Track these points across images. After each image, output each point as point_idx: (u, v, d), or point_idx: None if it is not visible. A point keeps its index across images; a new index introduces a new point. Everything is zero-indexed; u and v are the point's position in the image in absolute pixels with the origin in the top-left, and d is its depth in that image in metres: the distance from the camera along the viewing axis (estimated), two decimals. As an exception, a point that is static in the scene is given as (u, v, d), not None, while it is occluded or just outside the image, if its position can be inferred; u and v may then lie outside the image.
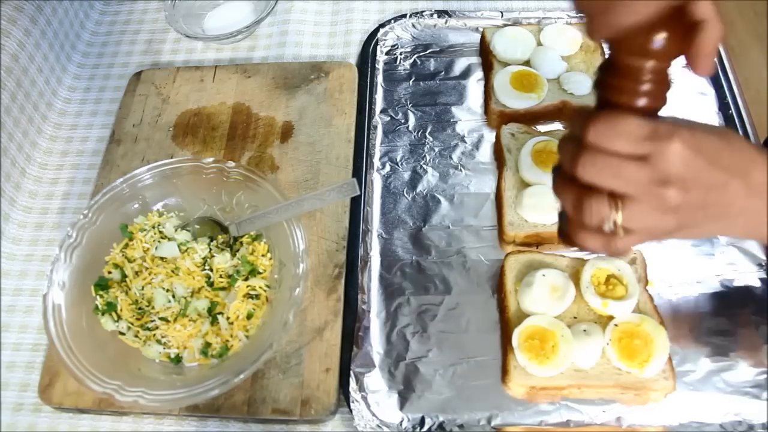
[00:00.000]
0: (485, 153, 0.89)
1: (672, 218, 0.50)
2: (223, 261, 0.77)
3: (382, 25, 1.02)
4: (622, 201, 0.49)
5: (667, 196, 0.49)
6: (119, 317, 0.75)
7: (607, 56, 0.51)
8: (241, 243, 0.79)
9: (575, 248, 0.54)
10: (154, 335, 0.74)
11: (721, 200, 0.51)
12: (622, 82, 0.49)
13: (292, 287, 0.71)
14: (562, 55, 0.92)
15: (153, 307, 0.75)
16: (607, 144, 0.48)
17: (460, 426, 0.70)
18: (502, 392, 0.71)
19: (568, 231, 0.54)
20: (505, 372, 0.71)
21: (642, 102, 0.49)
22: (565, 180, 0.52)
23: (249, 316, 0.74)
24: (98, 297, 0.75)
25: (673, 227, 0.51)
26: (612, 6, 0.47)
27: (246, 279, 0.76)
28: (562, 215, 0.55)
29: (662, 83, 0.49)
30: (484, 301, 0.77)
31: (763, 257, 0.77)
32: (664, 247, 0.79)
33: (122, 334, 0.74)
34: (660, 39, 0.47)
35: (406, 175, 0.88)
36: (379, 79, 0.97)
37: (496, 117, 0.90)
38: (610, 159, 0.48)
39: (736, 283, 0.76)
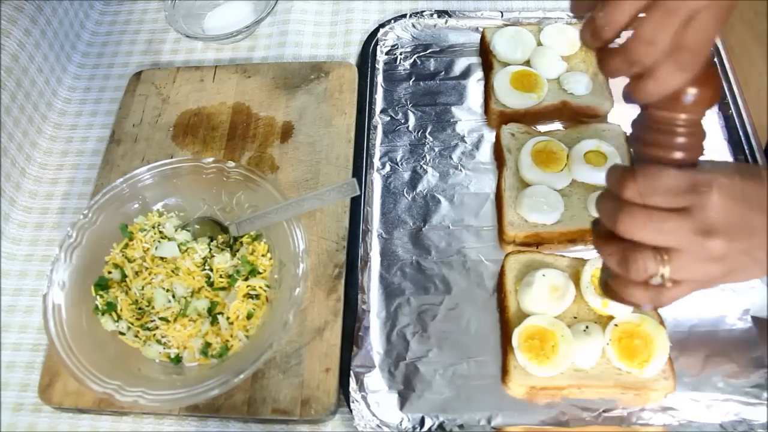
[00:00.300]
0: (485, 153, 0.89)
1: (719, 266, 0.50)
2: (223, 261, 0.77)
3: (382, 25, 1.02)
4: (668, 254, 0.49)
5: (712, 246, 0.49)
6: (119, 317, 0.75)
7: (639, 111, 0.51)
8: (241, 243, 0.79)
9: (620, 303, 0.55)
10: (154, 335, 0.74)
11: (765, 242, 0.50)
12: (657, 137, 0.49)
13: (292, 287, 0.71)
14: (562, 55, 0.92)
15: (153, 307, 0.75)
16: (647, 200, 0.48)
17: (460, 426, 0.70)
18: (502, 392, 0.71)
19: (613, 287, 0.54)
20: (505, 372, 0.71)
21: (678, 155, 0.49)
22: (606, 236, 0.52)
23: (249, 316, 0.74)
24: (98, 297, 0.75)
25: (720, 274, 0.51)
26: (655, 74, 0.47)
27: (246, 279, 0.76)
28: (605, 269, 0.55)
29: (697, 134, 0.49)
30: (484, 301, 0.77)
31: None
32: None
33: (122, 334, 0.74)
34: (692, 93, 0.47)
35: (406, 175, 0.88)
36: (379, 79, 0.97)
37: (496, 117, 0.90)
38: (652, 214, 0.48)
39: (737, 284, 0.76)
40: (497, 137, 0.87)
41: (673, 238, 0.49)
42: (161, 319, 0.74)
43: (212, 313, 0.75)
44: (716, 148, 0.86)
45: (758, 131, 0.88)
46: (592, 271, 0.73)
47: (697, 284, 0.52)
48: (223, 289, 0.76)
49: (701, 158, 0.50)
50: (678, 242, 0.49)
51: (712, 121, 0.88)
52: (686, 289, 0.52)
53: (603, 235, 0.53)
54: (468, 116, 0.92)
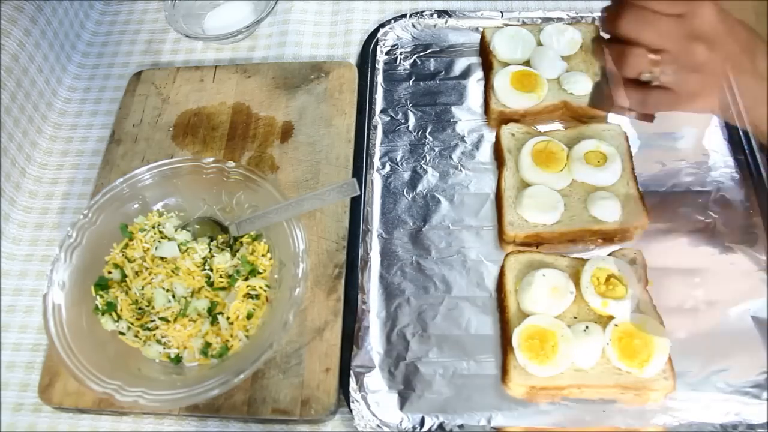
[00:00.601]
0: (485, 153, 0.89)
1: (696, 78, 0.58)
2: (223, 261, 0.77)
3: (382, 25, 1.01)
4: (659, 54, 0.57)
5: (697, 50, 0.57)
6: (119, 317, 0.75)
7: None
8: (241, 243, 0.79)
9: (609, 111, 0.66)
10: (154, 335, 0.74)
11: (734, 71, 0.58)
12: None
13: (292, 287, 0.71)
14: (562, 55, 0.92)
15: (153, 307, 0.75)
16: (647, 2, 0.56)
17: (460, 426, 0.70)
18: (502, 392, 0.71)
19: (606, 93, 0.62)
20: (505, 372, 0.71)
21: None
22: (608, 40, 0.60)
23: (249, 316, 0.74)
24: (98, 297, 0.75)
25: (697, 88, 0.59)
26: None
27: (246, 279, 0.76)
28: (598, 85, 0.65)
29: None
30: (484, 301, 0.77)
31: (764, 257, 0.77)
32: (665, 247, 0.79)
33: (122, 334, 0.74)
34: None
35: (406, 175, 0.88)
36: (379, 79, 0.97)
37: (496, 117, 0.90)
38: (651, 15, 0.56)
39: (737, 283, 0.76)
40: (497, 137, 0.87)
41: (665, 38, 0.56)
42: (161, 319, 0.74)
43: (212, 313, 0.75)
44: (716, 148, 0.86)
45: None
46: (592, 272, 0.73)
47: (676, 97, 0.60)
48: (223, 289, 0.76)
49: None
50: (669, 42, 0.57)
51: (711, 121, 0.88)
52: (667, 99, 0.60)
53: (606, 41, 0.61)
54: (468, 116, 0.92)
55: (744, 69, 0.59)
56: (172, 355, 0.73)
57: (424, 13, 1.02)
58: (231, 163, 0.80)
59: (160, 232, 0.79)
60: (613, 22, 0.58)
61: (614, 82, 0.62)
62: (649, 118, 0.64)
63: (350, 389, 0.72)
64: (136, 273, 0.77)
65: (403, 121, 0.92)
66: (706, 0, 0.56)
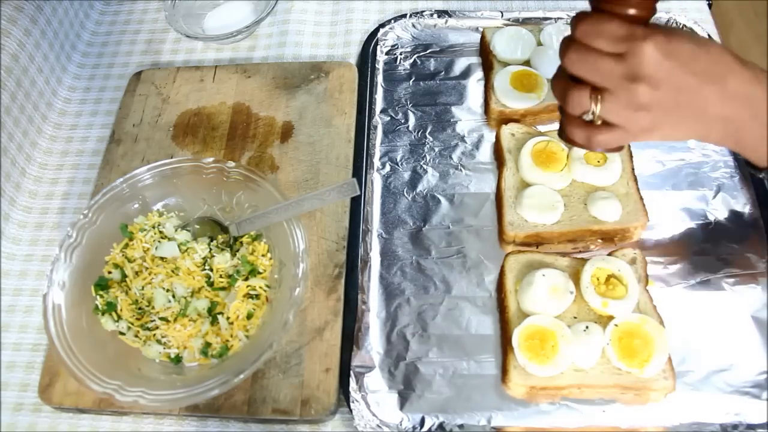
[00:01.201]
0: (485, 153, 0.89)
1: (645, 115, 0.57)
2: (223, 261, 0.77)
3: (382, 25, 1.02)
4: (601, 95, 0.56)
5: (638, 91, 0.55)
6: (119, 317, 0.75)
7: None
8: (241, 243, 0.79)
9: (569, 144, 0.64)
10: (154, 335, 0.74)
11: (694, 103, 0.56)
12: None
13: (292, 287, 0.71)
14: (562, 55, 0.92)
15: (153, 307, 0.75)
16: (590, 41, 0.56)
17: (460, 426, 0.70)
18: (502, 392, 0.71)
19: (561, 127, 0.63)
20: (505, 372, 0.71)
21: (631, 11, 0.55)
22: (559, 76, 0.61)
23: (249, 316, 0.74)
24: (98, 297, 0.75)
25: (648, 125, 0.58)
26: None
27: (246, 279, 0.76)
28: (561, 112, 0.63)
29: None
30: (484, 301, 0.77)
31: (764, 257, 0.77)
32: (665, 246, 0.79)
33: (122, 334, 0.74)
34: None
35: (406, 175, 0.88)
36: (379, 79, 0.97)
37: (496, 117, 0.90)
38: (592, 53, 0.56)
39: (737, 283, 0.76)
40: (497, 137, 0.87)
41: (604, 78, 0.56)
42: (161, 319, 0.74)
43: (212, 313, 0.75)
44: (716, 147, 0.86)
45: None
46: (592, 272, 0.73)
47: (626, 132, 0.58)
48: (223, 289, 0.76)
49: (652, 20, 0.56)
50: (609, 82, 0.56)
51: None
52: (616, 136, 0.59)
53: (559, 76, 0.61)
54: (468, 116, 0.92)
55: (711, 101, 0.56)
56: (172, 355, 0.73)
57: (424, 13, 1.02)
58: (231, 163, 0.80)
59: (160, 232, 0.79)
60: (561, 56, 0.58)
61: (566, 119, 0.62)
62: (618, 149, 0.63)
63: (350, 389, 0.72)
64: (136, 273, 0.77)
65: (403, 121, 0.92)
66: (648, 39, 0.53)
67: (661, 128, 0.58)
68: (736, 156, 0.85)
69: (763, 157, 0.63)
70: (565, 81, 0.59)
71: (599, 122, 0.59)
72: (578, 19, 0.56)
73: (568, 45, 0.57)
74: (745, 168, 0.79)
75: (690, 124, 0.59)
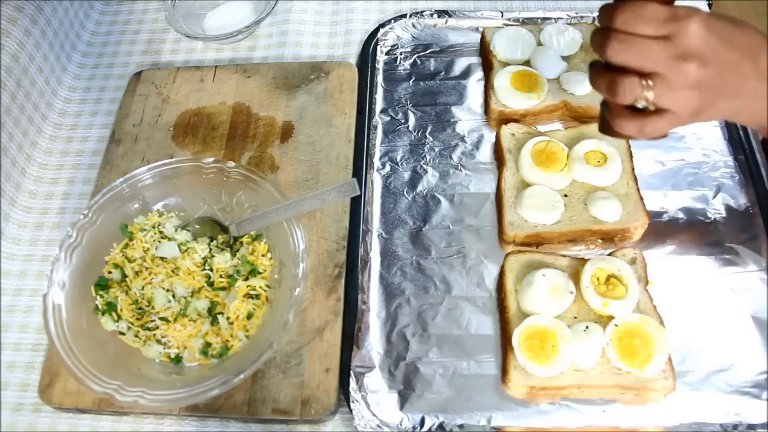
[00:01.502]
0: (485, 153, 0.88)
1: (695, 96, 0.57)
2: (223, 261, 0.77)
3: (382, 25, 1.01)
4: (651, 80, 0.56)
5: (688, 69, 0.55)
6: (119, 317, 0.75)
7: None
8: (241, 243, 0.79)
9: (615, 137, 0.63)
10: (154, 335, 0.74)
11: (735, 79, 0.57)
12: None
13: (292, 287, 0.71)
14: (562, 55, 0.92)
15: (153, 307, 0.75)
16: (633, 27, 0.55)
17: (460, 426, 0.70)
18: (502, 392, 0.71)
19: (607, 119, 0.61)
20: (505, 372, 0.71)
21: None
22: (600, 70, 0.59)
23: (249, 316, 0.74)
24: (98, 297, 0.75)
25: (697, 106, 0.58)
26: None
27: (246, 279, 0.76)
28: (603, 107, 0.62)
29: None
30: (484, 301, 0.77)
31: (764, 257, 0.77)
32: (665, 247, 0.79)
33: (122, 334, 0.74)
34: None
35: (406, 175, 0.87)
36: (379, 79, 0.97)
37: (496, 117, 0.90)
38: (637, 40, 0.55)
39: (737, 284, 0.76)
40: (497, 137, 0.87)
41: (654, 62, 0.56)
42: (161, 319, 0.74)
43: (212, 313, 0.75)
44: (716, 148, 0.86)
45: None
46: (592, 272, 0.73)
47: (676, 116, 0.58)
48: (223, 289, 0.76)
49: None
50: (659, 66, 0.56)
51: (711, 122, 0.88)
52: (667, 121, 0.58)
53: (597, 70, 0.60)
54: (468, 116, 0.92)
55: (748, 77, 0.57)
56: (172, 355, 0.73)
57: (424, 13, 1.02)
58: (231, 163, 0.80)
59: (160, 232, 0.79)
60: (601, 48, 0.57)
61: (612, 112, 0.60)
62: (664, 135, 0.61)
63: (350, 389, 0.72)
64: (136, 273, 0.77)
65: (403, 121, 0.92)
66: (692, 18, 0.54)
67: (708, 108, 0.59)
68: (736, 156, 0.85)
69: None
70: (608, 73, 0.58)
71: (652, 108, 0.58)
72: (614, 9, 0.56)
73: (607, 36, 0.56)
74: None
75: (730, 100, 0.59)
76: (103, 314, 0.75)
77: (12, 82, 0.91)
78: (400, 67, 0.98)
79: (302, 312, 0.76)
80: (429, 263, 0.80)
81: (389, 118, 0.93)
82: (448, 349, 0.74)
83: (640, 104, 0.58)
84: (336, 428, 0.72)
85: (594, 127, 0.86)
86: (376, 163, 0.89)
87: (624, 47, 0.56)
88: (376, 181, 0.88)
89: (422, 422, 0.70)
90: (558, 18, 0.98)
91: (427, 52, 0.99)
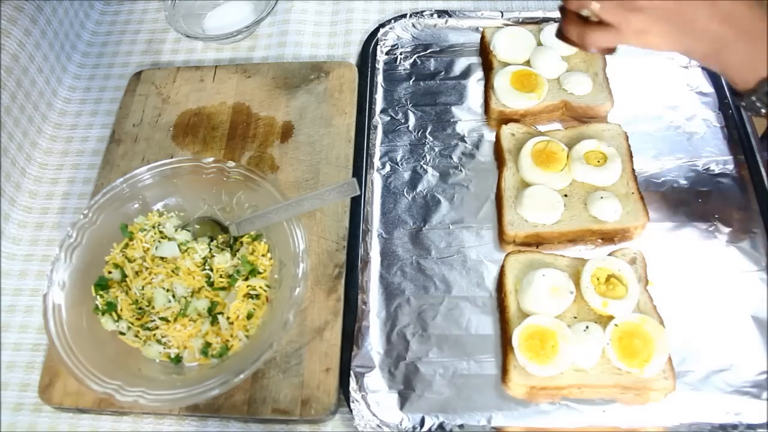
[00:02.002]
0: (485, 153, 0.89)
1: (639, 17, 0.61)
2: (223, 261, 0.77)
3: (382, 25, 1.01)
4: None
5: None
6: (119, 317, 0.75)
7: None
8: (241, 243, 0.79)
9: (565, 42, 0.69)
10: (154, 335, 0.74)
11: (685, 15, 0.60)
12: None
13: (292, 287, 0.71)
14: (562, 55, 0.92)
15: (153, 307, 0.75)
16: None
17: (460, 426, 0.70)
18: (502, 392, 0.71)
19: (558, 25, 0.69)
20: (505, 372, 0.71)
21: None
22: None
23: (249, 316, 0.74)
24: (98, 297, 0.75)
25: (640, 27, 0.62)
26: None
27: (246, 279, 0.76)
28: (562, 12, 0.69)
29: None
30: (484, 301, 0.77)
31: (764, 257, 0.77)
32: (665, 247, 0.79)
33: (122, 334, 0.74)
34: None
35: (406, 175, 0.87)
36: (379, 79, 0.97)
37: (496, 117, 0.90)
38: None
39: (737, 283, 0.76)
40: (497, 137, 0.87)
41: None
42: (161, 319, 0.74)
43: (212, 313, 0.75)
44: (716, 147, 0.86)
45: (758, 130, 0.88)
46: (592, 272, 0.73)
47: (618, 33, 0.63)
48: (223, 289, 0.76)
49: None
50: None
51: (712, 120, 0.88)
52: (609, 36, 0.63)
53: None
54: (468, 116, 0.92)
55: (700, 14, 0.60)
56: (172, 355, 0.73)
57: (424, 13, 1.02)
58: (231, 163, 0.80)
59: (160, 232, 0.79)
60: None
61: (564, 16, 0.68)
62: (609, 51, 0.67)
63: (350, 389, 0.72)
64: (136, 273, 0.77)
65: (403, 121, 0.92)
66: None
67: (651, 33, 0.62)
68: (736, 156, 0.85)
69: (746, 78, 0.64)
70: None
71: (595, 19, 0.63)
72: None
73: None
74: (734, 99, 0.80)
75: (678, 35, 0.62)
76: (103, 314, 0.75)
77: (12, 82, 0.91)
78: (400, 67, 0.98)
79: (302, 312, 0.76)
80: (429, 263, 0.80)
81: (389, 118, 0.93)
82: (448, 349, 0.74)
83: (585, 13, 0.64)
84: (336, 428, 0.72)
85: (594, 127, 0.86)
86: (376, 163, 0.89)
87: None
88: (376, 181, 0.88)
89: (422, 422, 0.70)
90: (558, 18, 0.98)
91: (427, 52, 0.99)
